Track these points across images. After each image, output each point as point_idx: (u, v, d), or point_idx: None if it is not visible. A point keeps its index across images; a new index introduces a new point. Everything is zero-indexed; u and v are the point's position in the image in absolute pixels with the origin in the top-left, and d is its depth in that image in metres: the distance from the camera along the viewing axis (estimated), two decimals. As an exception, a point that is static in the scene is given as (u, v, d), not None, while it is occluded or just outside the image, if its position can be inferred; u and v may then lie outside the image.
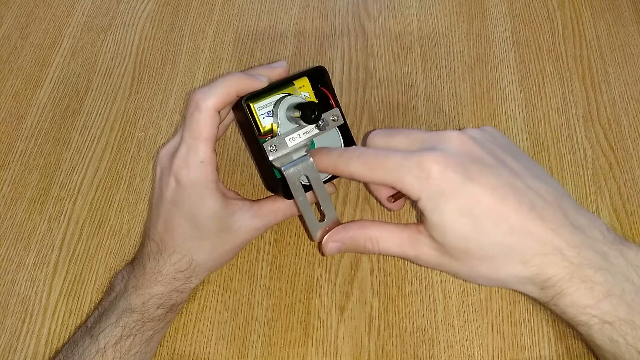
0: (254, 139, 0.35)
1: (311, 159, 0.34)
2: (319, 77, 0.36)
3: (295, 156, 0.35)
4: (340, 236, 0.34)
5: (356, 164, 0.32)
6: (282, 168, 0.34)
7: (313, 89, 0.36)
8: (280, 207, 0.37)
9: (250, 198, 0.40)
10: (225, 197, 0.35)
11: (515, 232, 0.29)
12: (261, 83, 0.34)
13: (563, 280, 0.29)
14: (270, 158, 0.34)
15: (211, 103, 0.32)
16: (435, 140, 0.31)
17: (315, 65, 0.36)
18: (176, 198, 0.34)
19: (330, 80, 0.36)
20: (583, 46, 0.50)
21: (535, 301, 0.32)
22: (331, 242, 0.34)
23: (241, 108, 0.34)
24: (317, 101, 0.36)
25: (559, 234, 0.29)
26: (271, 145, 0.34)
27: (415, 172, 0.30)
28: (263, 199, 0.38)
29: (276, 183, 0.36)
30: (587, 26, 0.51)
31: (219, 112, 0.33)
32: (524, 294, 0.32)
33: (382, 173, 0.31)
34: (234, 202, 0.35)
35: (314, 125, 0.35)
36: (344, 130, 0.37)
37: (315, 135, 0.35)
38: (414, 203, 0.31)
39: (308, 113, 0.34)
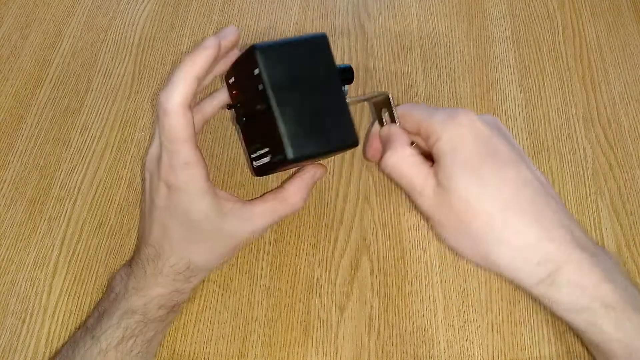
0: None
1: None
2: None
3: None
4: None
5: (420, 107, 0.35)
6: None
7: None
8: (271, 207, 0.36)
9: (249, 198, 0.40)
10: (218, 198, 0.34)
11: (517, 199, 0.30)
12: (211, 50, 0.31)
13: (561, 259, 0.29)
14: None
15: (176, 103, 0.30)
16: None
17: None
18: (168, 203, 0.33)
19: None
20: (583, 46, 0.50)
21: (528, 292, 0.32)
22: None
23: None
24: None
25: (561, 218, 0.30)
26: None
27: (444, 115, 0.32)
28: (255, 199, 0.37)
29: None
30: (587, 26, 0.51)
31: (190, 107, 0.31)
32: (517, 286, 0.32)
33: (421, 113, 0.34)
34: (226, 203, 0.34)
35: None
36: None
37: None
38: (433, 147, 0.33)
39: (350, 76, 0.35)
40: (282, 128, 0.32)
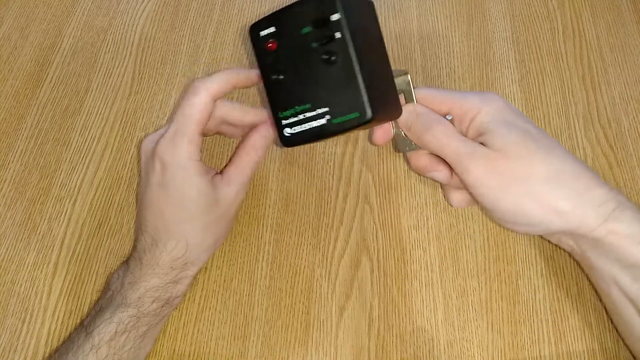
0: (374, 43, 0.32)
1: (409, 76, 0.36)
2: None
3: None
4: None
5: (443, 90, 0.38)
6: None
7: None
8: (242, 162, 0.37)
9: (249, 198, 0.40)
10: (209, 174, 0.36)
11: (565, 153, 0.33)
12: (256, 76, 0.36)
13: (616, 199, 0.31)
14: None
15: (211, 90, 0.34)
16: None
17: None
18: (162, 180, 0.34)
19: None
20: (583, 46, 0.50)
21: (587, 237, 0.32)
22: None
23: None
24: None
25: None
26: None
27: (477, 95, 0.35)
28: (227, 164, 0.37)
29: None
30: (587, 26, 0.51)
31: (215, 101, 0.34)
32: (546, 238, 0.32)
33: (451, 95, 0.36)
34: (214, 176, 0.36)
35: None
36: None
37: None
38: (471, 123, 0.34)
39: None
40: (365, 84, 0.29)
